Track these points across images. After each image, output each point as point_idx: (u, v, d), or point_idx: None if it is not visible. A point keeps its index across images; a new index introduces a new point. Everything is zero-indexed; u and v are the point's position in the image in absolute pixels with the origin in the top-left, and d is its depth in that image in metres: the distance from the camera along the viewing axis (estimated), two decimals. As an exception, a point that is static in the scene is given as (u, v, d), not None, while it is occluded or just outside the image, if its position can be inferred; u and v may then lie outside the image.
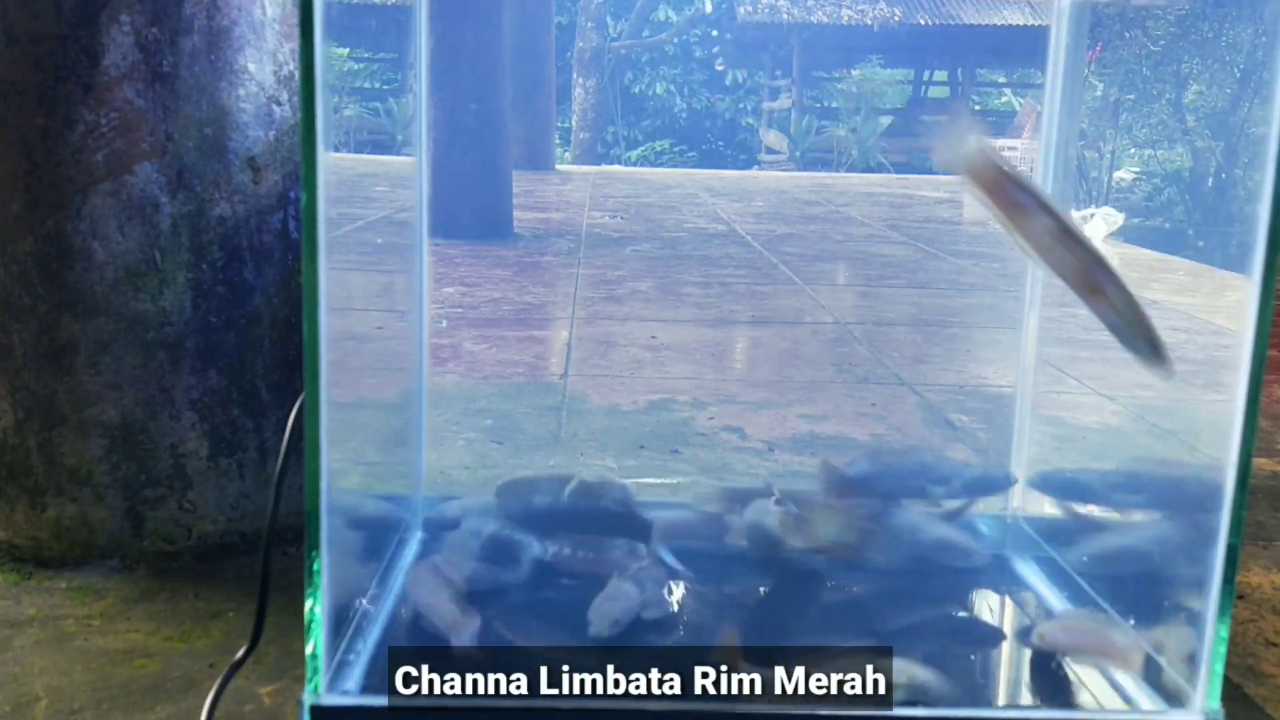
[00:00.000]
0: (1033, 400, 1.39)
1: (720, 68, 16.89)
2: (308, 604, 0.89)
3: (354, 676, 0.94)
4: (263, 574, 0.98)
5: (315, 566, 0.89)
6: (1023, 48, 14.24)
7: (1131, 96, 10.16)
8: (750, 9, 15.03)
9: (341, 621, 0.95)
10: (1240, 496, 0.89)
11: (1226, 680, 1.21)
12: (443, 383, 2.38)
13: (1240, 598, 1.44)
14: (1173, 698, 0.93)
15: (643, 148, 16.62)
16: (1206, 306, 3.97)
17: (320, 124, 0.81)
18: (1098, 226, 6.38)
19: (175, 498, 1.39)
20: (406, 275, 1.31)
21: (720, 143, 17.27)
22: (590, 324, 3.22)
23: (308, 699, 0.88)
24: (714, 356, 2.89)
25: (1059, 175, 1.33)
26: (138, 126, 1.31)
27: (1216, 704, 0.91)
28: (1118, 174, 10.55)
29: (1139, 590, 1.07)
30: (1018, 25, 14.37)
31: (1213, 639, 0.90)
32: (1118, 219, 6.45)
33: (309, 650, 0.89)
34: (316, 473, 0.87)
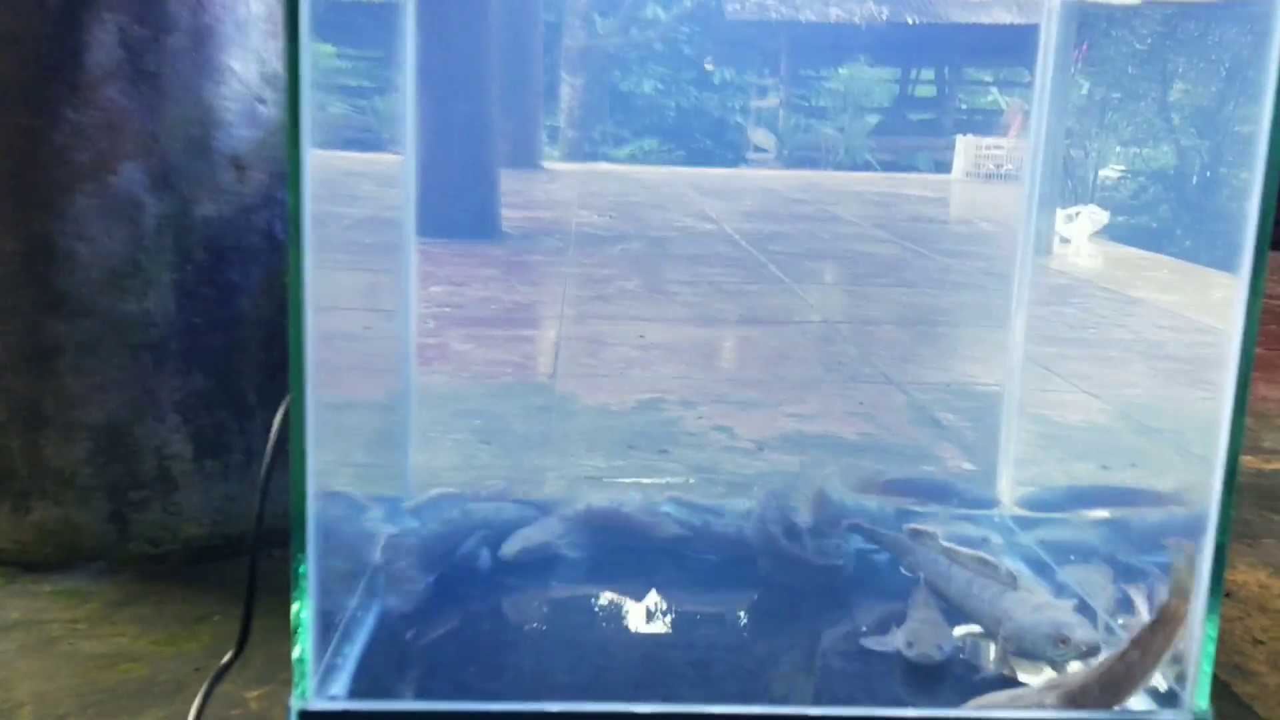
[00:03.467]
0: (1020, 399, 1.39)
1: (710, 68, 16.89)
2: (294, 607, 0.88)
3: (342, 681, 0.94)
4: (250, 577, 0.97)
5: (302, 570, 0.88)
6: (1009, 46, 14.29)
7: (1118, 95, 10.20)
8: (738, 7, 15.04)
9: (328, 625, 0.95)
10: (1228, 496, 0.89)
11: (1215, 679, 1.21)
12: (430, 383, 2.37)
13: (1227, 595, 1.45)
14: (1162, 698, 0.93)
15: (631, 145, 16.61)
16: (1191, 304, 3.99)
17: (306, 122, 0.80)
18: (1083, 224, 6.41)
19: (161, 500, 1.38)
20: (394, 274, 1.30)
21: (708, 141, 17.27)
22: (579, 323, 3.21)
23: (295, 704, 0.87)
24: (703, 356, 2.89)
25: (1047, 174, 1.34)
26: (122, 126, 1.30)
27: (1205, 703, 0.91)
28: (1103, 172, 10.60)
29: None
30: (1004, 24, 14.42)
31: (1201, 639, 0.90)
32: (1103, 217, 6.48)
33: (296, 654, 0.88)
34: (303, 475, 0.86)
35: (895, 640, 1.01)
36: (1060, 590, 1.11)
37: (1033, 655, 0.98)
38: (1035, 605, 1.00)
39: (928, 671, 0.98)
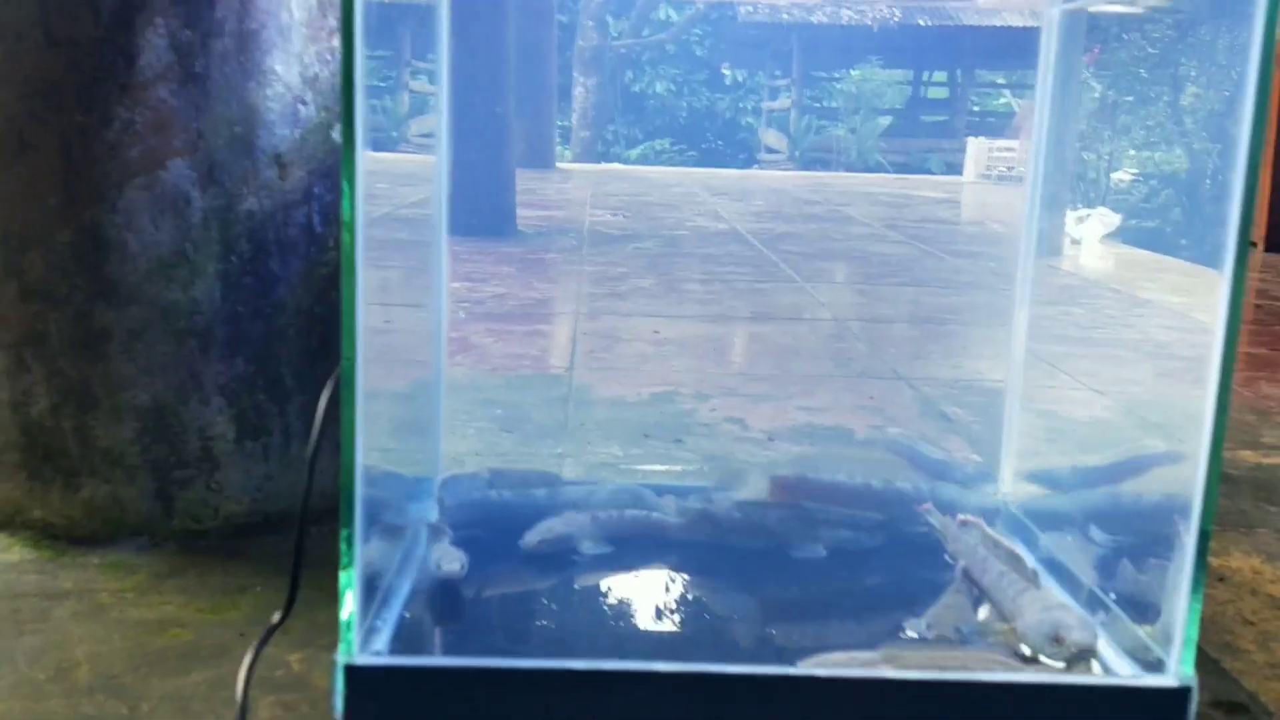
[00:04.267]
0: (1022, 394, 1.45)
1: (727, 71, 16.94)
2: (341, 572, 0.95)
3: (382, 640, 1.01)
4: (298, 542, 1.04)
5: (348, 536, 0.95)
6: (1022, 49, 14.30)
7: (1130, 98, 10.22)
8: (751, 9, 15.09)
9: (370, 590, 1.02)
10: (1212, 484, 0.94)
11: (1205, 655, 1.27)
12: (453, 374, 2.44)
13: (1221, 580, 1.51)
14: (1149, 664, 0.99)
15: (643, 146, 16.69)
16: (1199, 306, 4.03)
17: (359, 124, 0.87)
18: (1094, 227, 6.45)
19: (203, 479, 1.46)
20: (424, 271, 1.37)
21: (720, 142, 17.34)
22: (594, 319, 3.28)
23: (341, 659, 0.94)
24: (715, 351, 2.96)
25: (1055, 176, 1.39)
26: (171, 125, 1.38)
27: (1190, 670, 0.97)
28: (1116, 175, 10.61)
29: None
30: (1017, 26, 14.44)
31: (1186, 610, 0.96)
32: (1114, 219, 6.52)
33: (342, 615, 0.95)
34: (351, 452, 0.93)
35: (919, 622, 1.07)
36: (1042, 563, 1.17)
37: (1035, 651, 1.03)
38: (1046, 605, 1.05)
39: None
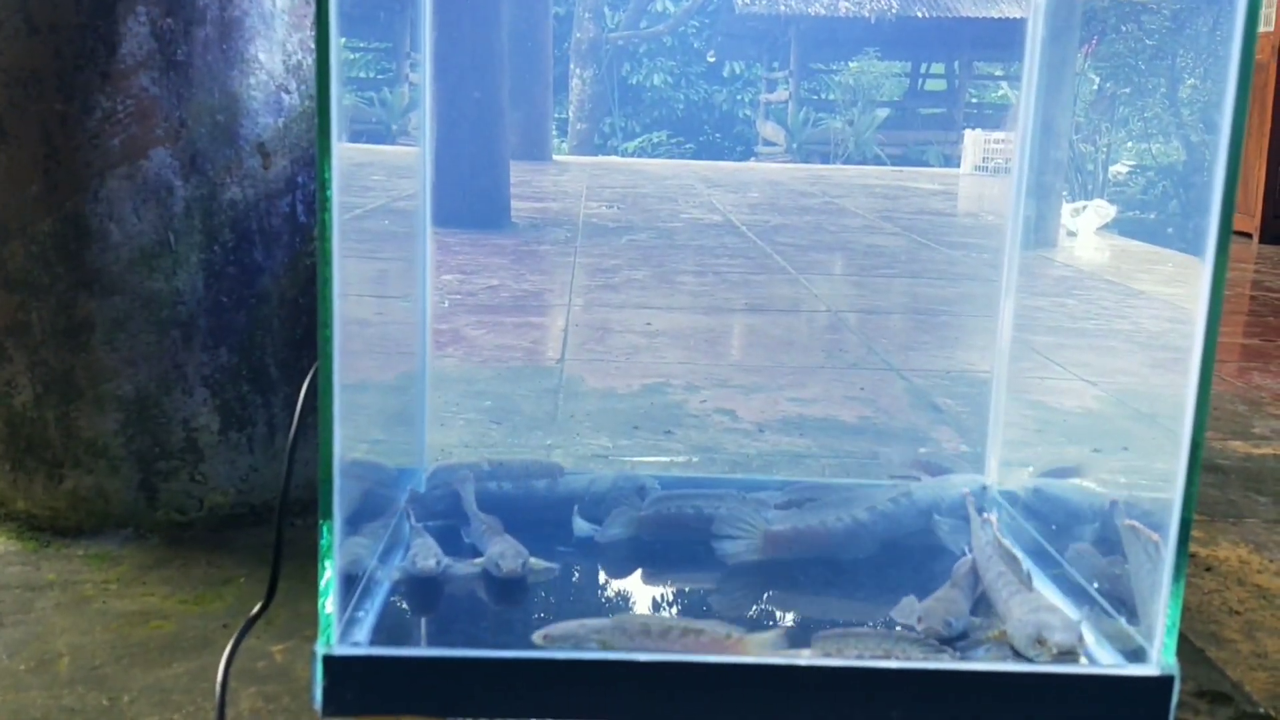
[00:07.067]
0: (1008, 383, 1.45)
1: (712, 59, 16.91)
2: (321, 564, 0.94)
3: (363, 631, 1.00)
4: (277, 533, 1.03)
5: (327, 528, 0.95)
6: (1019, 40, 14.27)
7: (1127, 90, 10.22)
8: (748, 0, 15.06)
9: (350, 581, 1.01)
10: (1193, 474, 0.93)
11: (1190, 644, 1.27)
12: (443, 366, 2.44)
13: (1208, 570, 1.50)
14: (1131, 653, 0.99)
15: (640, 139, 16.67)
16: (1193, 297, 4.02)
17: (335, 113, 0.86)
18: (1090, 218, 6.44)
19: (187, 470, 1.45)
20: (410, 261, 1.36)
21: (717, 134, 17.32)
22: (587, 311, 3.27)
23: (320, 650, 0.93)
24: (707, 343, 2.95)
25: (1047, 167, 1.39)
26: (153, 113, 1.37)
27: (1172, 659, 0.97)
28: (1113, 168, 10.61)
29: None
30: (1014, 18, 14.41)
31: (1168, 599, 0.96)
32: (1110, 211, 6.51)
33: (323, 607, 0.94)
34: (329, 444, 0.93)
35: (911, 613, 1.06)
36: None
37: (1020, 653, 1.02)
38: (1034, 607, 1.05)
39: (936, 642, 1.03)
